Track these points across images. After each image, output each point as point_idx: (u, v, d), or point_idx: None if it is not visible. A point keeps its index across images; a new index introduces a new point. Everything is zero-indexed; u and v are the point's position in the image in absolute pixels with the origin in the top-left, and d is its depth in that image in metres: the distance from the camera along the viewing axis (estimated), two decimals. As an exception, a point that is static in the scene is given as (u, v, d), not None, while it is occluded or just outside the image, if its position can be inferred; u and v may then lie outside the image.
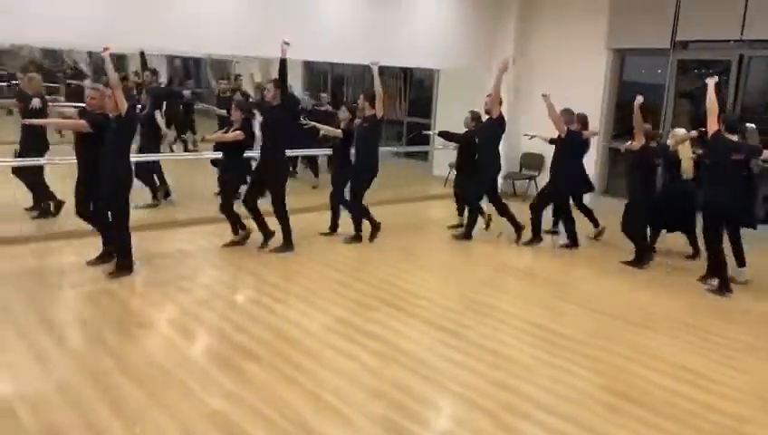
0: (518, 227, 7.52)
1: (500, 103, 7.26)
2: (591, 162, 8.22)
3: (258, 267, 6.20)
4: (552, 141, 7.46)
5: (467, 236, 7.58)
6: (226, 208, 6.58)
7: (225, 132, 6.57)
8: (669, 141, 6.89)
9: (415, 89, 13.13)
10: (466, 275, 6.52)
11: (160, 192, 8.24)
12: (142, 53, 9.28)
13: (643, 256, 6.80)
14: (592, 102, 9.10)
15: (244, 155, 6.77)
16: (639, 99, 6.51)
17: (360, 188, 7.08)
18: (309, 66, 14.78)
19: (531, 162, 10.31)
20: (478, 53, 10.05)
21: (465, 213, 7.83)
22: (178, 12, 7.07)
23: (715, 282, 6.11)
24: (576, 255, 7.32)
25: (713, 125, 5.88)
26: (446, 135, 7.95)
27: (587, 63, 9.54)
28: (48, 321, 4.72)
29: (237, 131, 6.35)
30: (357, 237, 7.17)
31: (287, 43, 6.25)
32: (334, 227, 7.43)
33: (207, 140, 7.05)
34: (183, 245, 6.80)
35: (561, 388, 4.08)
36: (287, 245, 6.68)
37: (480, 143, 7.47)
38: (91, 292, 5.32)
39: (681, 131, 6.90)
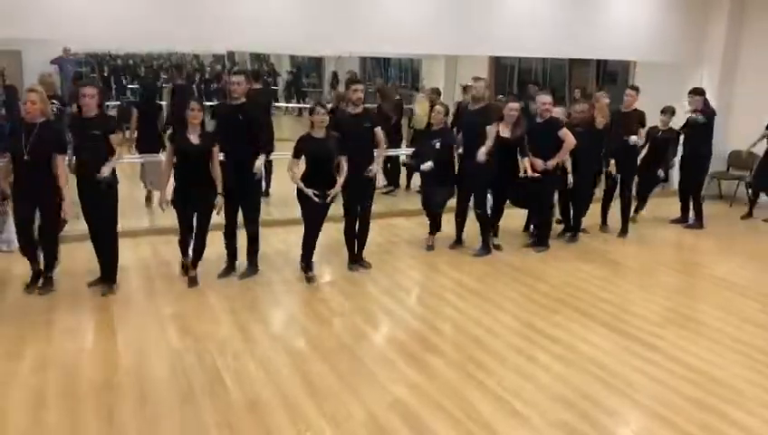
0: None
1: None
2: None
3: (447, 266, 6.25)
4: None
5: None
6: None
7: None
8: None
9: (606, 83, 12.44)
10: (657, 281, 6.06)
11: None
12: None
13: None
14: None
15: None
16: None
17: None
18: (495, 61, 14.63)
19: (741, 162, 9.27)
20: (683, 43, 9.22)
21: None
22: (379, 15, 7.40)
23: None
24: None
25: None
26: None
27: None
28: (253, 303, 5.20)
29: None
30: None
31: None
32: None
33: None
34: (378, 238, 6.93)
35: (773, 415, 3.66)
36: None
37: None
38: (290, 279, 5.75)
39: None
